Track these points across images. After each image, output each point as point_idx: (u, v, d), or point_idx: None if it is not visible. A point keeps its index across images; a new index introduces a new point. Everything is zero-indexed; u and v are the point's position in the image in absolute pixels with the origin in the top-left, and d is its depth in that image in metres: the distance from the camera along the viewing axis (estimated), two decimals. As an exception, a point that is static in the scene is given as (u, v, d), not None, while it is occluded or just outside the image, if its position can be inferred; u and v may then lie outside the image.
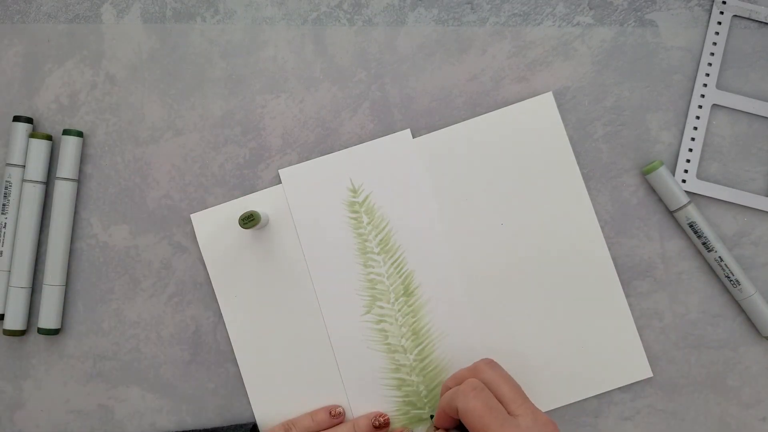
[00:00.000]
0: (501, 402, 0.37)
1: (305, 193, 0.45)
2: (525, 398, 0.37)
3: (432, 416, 0.44)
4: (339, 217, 0.45)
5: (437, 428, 0.40)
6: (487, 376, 0.38)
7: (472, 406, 0.36)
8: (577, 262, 0.44)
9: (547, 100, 0.45)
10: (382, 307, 0.45)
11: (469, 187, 0.45)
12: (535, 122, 0.45)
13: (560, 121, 0.45)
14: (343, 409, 0.44)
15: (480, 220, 0.45)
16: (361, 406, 0.44)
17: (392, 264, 0.45)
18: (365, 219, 0.45)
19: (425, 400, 0.44)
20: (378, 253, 0.45)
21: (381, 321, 0.45)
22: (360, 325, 0.45)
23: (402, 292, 0.45)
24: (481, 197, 0.45)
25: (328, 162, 0.45)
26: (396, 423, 0.44)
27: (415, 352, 0.44)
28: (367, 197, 0.45)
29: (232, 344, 0.45)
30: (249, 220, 0.42)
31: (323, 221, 0.45)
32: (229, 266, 0.45)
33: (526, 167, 0.45)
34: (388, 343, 0.44)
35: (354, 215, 0.45)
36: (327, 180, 0.45)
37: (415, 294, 0.45)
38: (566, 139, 0.45)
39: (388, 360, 0.44)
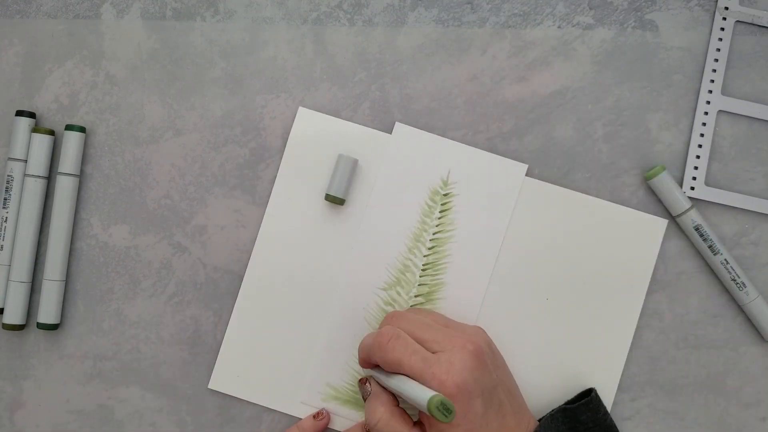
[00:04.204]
0: (423, 345, 0.37)
1: (405, 155, 0.45)
2: (442, 334, 0.38)
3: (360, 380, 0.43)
4: (417, 195, 0.45)
5: (363, 382, 0.41)
6: (402, 326, 0.39)
7: (391, 357, 0.37)
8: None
9: (659, 227, 0.44)
10: (398, 293, 0.45)
11: (540, 248, 0.45)
12: (636, 237, 0.44)
13: (657, 251, 0.44)
14: (327, 412, 0.44)
15: (531, 284, 0.44)
16: (324, 363, 0.44)
17: (432, 265, 0.45)
18: (437, 213, 0.45)
19: None
20: (428, 248, 0.45)
21: (390, 304, 0.44)
22: (371, 292, 0.45)
23: (424, 293, 0.45)
24: (544, 264, 0.44)
25: (441, 144, 0.45)
26: (346, 394, 0.44)
27: None
28: (452, 196, 0.45)
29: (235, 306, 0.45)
30: (335, 201, 0.44)
31: (402, 188, 0.45)
32: (298, 172, 0.45)
33: (599, 265, 0.44)
34: None
35: (431, 203, 0.45)
36: (430, 157, 0.45)
37: (434, 303, 0.44)
38: (651, 270, 0.44)
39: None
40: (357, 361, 0.44)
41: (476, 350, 0.37)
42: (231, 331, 0.45)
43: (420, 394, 0.34)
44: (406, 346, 0.37)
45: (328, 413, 0.44)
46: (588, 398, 0.41)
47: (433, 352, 0.37)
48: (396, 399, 0.39)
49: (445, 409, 0.33)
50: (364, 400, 0.40)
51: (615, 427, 0.40)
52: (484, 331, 0.41)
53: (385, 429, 0.38)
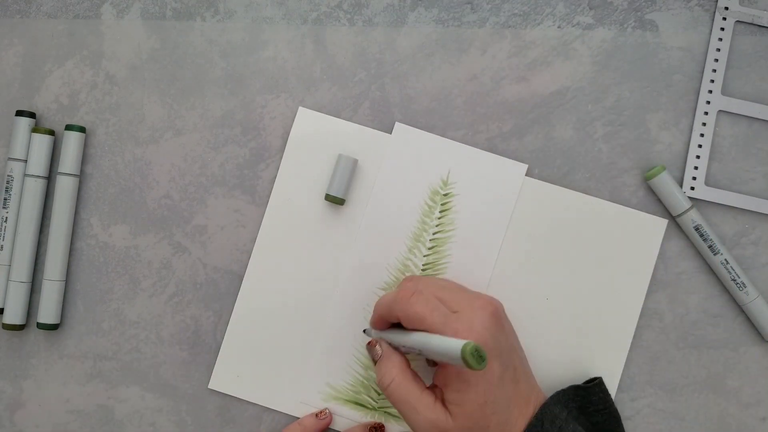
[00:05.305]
0: (442, 303, 0.38)
1: (405, 155, 0.45)
2: (461, 293, 0.38)
3: (364, 330, 0.43)
4: (417, 195, 0.45)
5: (373, 344, 0.40)
6: (422, 286, 0.39)
7: (414, 311, 0.37)
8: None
9: (659, 227, 0.44)
10: None
11: (540, 248, 0.45)
12: (636, 237, 0.44)
13: (657, 251, 0.44)
14: (330, 412, 0.44)
15: (531, 284, 0.44)
16: (324, 363, 0.44)
17: (432, 265, 0.45)
18: (437, 212, 0.45)
19: (376, 396, 0.44)
20: (428, 248, 0.45)
21: None
22: (371, 292, 0.45)
23: None
24: (544, 264, 0.44)
25: (441, 144, 0.45)
26: (346, 394, 0.44)
27: None
28: (452, 196, 0.45)
29: (235, 305, 0.45)
30: (335, 201, 0.43)
31: (402, 188, 0.45)
32: (296, 173, 0.45)
33: (600, 264, 0.44)
34: None
35: (431, 203, 0.45)
36: (430, 157, 0.45)
37: None
38: (651, 270, 0.44)
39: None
40: (357, 362, 0.44)
41: (495, 311, 0.37)
42: (231, 331, 0.45)
43: (450, 343, 0.33)
44: (428, 302, 0.37)
45: (330, 414, 0.44)
46: (598, 380, 0.41)
47: (452, 312, 0.37)
48: (408, 361, 0.39)
49: (479, 356, 0.32)
50: (374, 363, 0.40)
51: (620, 417, 0.41)
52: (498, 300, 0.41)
53: (398, 390, 0.37)
